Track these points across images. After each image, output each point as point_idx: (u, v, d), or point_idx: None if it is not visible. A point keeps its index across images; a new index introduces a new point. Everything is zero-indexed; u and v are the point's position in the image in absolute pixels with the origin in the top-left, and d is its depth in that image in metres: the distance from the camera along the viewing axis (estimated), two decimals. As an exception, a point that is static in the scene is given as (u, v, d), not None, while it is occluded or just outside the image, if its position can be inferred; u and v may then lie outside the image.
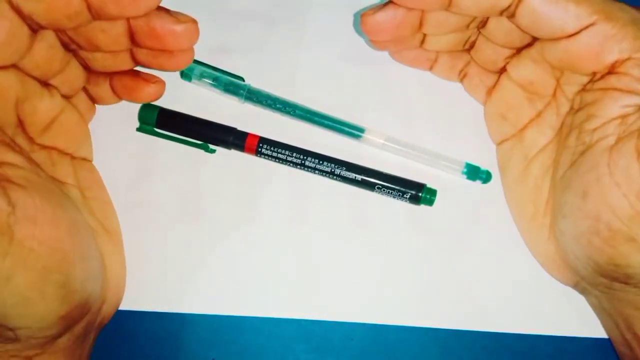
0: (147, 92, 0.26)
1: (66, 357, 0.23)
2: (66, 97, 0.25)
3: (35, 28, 0.21)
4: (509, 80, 0.26)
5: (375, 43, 0.26)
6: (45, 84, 0.23)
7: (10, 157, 0.21)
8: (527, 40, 0.25)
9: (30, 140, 0.23)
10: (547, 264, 0.26)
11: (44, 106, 0.23)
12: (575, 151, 0.23)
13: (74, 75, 0.25)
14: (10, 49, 0.20)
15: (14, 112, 0.22)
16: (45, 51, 0.22)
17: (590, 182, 0.22)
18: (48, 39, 0.22)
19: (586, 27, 0.21)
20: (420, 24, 0.24)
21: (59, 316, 0.21)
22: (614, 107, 0.22)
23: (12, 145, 0.22)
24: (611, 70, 0.22)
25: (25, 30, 0.20)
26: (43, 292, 0.20)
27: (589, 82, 0.23)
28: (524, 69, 0.25)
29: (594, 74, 0.22)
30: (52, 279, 0.20)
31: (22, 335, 0.20)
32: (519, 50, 0.25)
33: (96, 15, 0.21)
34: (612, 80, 0.22)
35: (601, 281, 0.23)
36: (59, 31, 0.22)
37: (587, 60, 0.22)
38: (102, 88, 0.26)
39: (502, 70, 0.26)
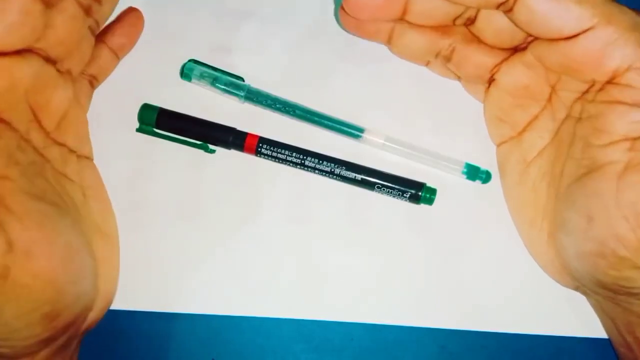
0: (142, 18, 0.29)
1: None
2: (74, 81, 0.25)
3: (50, 1, 0.20)
4: (498, 88, 0.26)
5: (347, 22, 0.25)
6: (58, 70, 0.23)
7: (10, 170, 0.20)
8: (517, 41, 0.24)
9: (46, 134, 0.23)
10: (547, 267, 0.26)
11: (58, 97, 0.23)
12: (581, 164, 0.23)
13: (87, 45, 0.25)
14: (25, 29, 0.20)
15: (27, 105, 0.21)
16: (69, 23, 0.22)
17: (597, 208, 0.21)
18: (69, 8, 0.21)
19: (586, 31, 0.21)
20: (404, 11, 0.24)
21: (41, 339, 0.21)
22: (621, 123, 0.21)
23: (14, 152, 0.21)
24: (611, 80, 0.21)
25: (39, 7, 0.20)
26: (29, 322, 0.20)
27: (587, 90, 0.23)
28: (517, 74, 0.25)
29: (593, 82, 0.22)
30: (40, 310, 0.20)
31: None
32: (509, 56, 0.25)
33: None
34: (615, 92, 0.21)
35: (603, 292, 0.23)
36: None
37: (586, 65, 0.22)
38: (102, 53, 0.27)
39: (490, 80, 0.26)
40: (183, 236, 0.27)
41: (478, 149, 0.29)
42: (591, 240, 0.22)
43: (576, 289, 0.26)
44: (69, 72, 0.24)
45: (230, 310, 0.27)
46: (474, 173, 0.28)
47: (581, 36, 0.21)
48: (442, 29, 0.25)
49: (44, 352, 0.21)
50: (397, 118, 0.29)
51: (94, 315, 0.24)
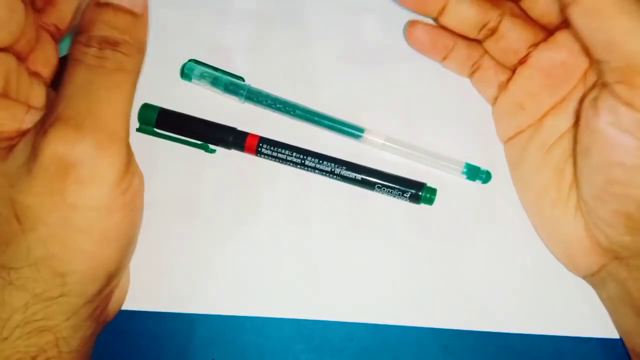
0: None
1: (87, 347, 0.23)
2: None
3: None
4: (530, 68, 0.26)
5: None
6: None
7: None
8: (561, 19, 0.25)
9: None
10: (572, 249, 0.26)
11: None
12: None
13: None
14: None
15: None
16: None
17: (588, 138, 0.23)
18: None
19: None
20: None
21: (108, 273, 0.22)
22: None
23: None
24: None
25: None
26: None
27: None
28: (556, 51, 0.25)
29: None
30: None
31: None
32: (549, 35, 0.26)
33: None
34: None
35: (636, 245, 0.23)
36: None
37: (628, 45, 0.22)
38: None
39: (523, 60, 0.27)
40: (182, 236, 0.27)
41: (478, 149, 0.29)
42: (597, 171, 0.23)
43: (600, 269, 0.25)
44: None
45: (230, 310, 0.27)
46: (474, 173, 0.28)
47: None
48: (493, 0, 0.27)
49: (84, 331, 0.22)
50: (397, 118, 0.29)
51: (112, 306, 0.25)
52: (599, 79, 0.23)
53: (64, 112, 0.20)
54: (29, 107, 0.23)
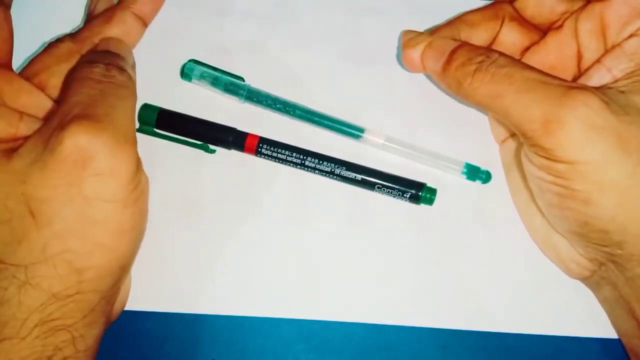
0: None
1: (97, 346, 0.23)
2: None
3: None
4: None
5: None
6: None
7: None
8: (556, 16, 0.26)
9: None
10: (563, 256, 0.26)
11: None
12: None
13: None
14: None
15: None
16: None
17: (525, 167, 0.24)
18: None
19: None
20: None
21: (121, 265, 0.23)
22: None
23: None
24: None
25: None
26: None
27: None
28: (545, 56, 0.26)
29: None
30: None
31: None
32: (543, 35, 0.26)
33: None
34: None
35: (603, 255, 0.23)
36: None
37: (613, 28, 0.24)
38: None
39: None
40: (182, 236, 0.27)
41: (478, 149, 0.29)
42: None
43: (592, 275, 0.26)
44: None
45: (231, 310, 0.27)
46: (474, 173, 0.28)
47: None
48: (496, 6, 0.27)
49: (98, 329, 0.23)
50: (397, 118, 0.29)
51: (116, 307, 0.25)
52: None
53: (83, 112, 0.21)
54: (22, 113, 0.24)
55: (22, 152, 0.22)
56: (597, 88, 0.22)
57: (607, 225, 0.22)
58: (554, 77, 0.22)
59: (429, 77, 0.30)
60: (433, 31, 0.27)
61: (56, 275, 0.21)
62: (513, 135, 0.28)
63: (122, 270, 0.23)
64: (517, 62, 0.23)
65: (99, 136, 0.21)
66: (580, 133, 0.21)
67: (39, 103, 0.25)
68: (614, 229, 0.22)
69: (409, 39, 0.26)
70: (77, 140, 0.20)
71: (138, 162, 0.23)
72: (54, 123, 0.21)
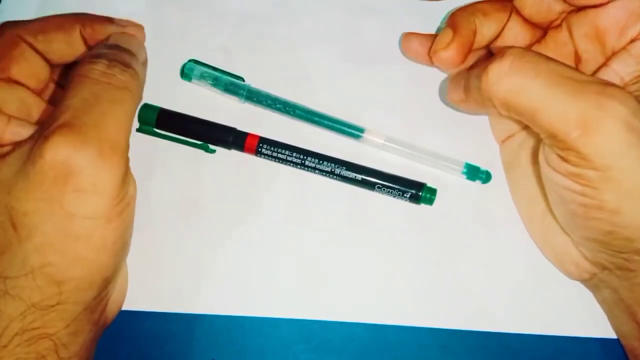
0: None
1: (89, 351, 0.23)
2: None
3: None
4: None
5: None
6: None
7: None
8: (553, 16, 0.26)
9: None
10: (562, 258, 0.26)
11: None
12: None
13: None
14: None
15: None
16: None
17: (545, 177, 0.23)
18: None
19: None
20: None
21: (104, 277, 0.22)
22: None
23: None
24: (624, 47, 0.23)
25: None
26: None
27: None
28: (549, 53, 0.25)
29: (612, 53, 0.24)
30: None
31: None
32: (541, 37, 0.26)
33: None
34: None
35: (616, 261, 0.23)
36: None
37: (611, 33, 0.23)
38: None
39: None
40: (182, 236, 0.27)
41: (478, 149, 0.29)
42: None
43: (592, 277, 0.26)
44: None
45: (230, 310, 0.27)
46: (474, 173, 0.28)
47: (610, 4, 0.23)
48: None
49: (88, 334, 0.23)
50: (397, 118, 0.29)
51: (111, 308, 0.25)
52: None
53: (68, 120, 0.20)
54: (10, 117, 0.23)
55: (8, 160, 0.21)
56: None
57: (634, 233, 0.21)
58: (581, 72, 0.21)
59: (428, 77, 0.29)
60: (451, 16, 0.26)
61: (35, 287, 0.20)
62: (513, 135, 0.27)
63: (105, 282, 0.22)
64: (537, 52, 0.21)
65: (81, 150, 0.20)
66: (621, 136, 0.19)
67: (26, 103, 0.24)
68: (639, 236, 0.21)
69: (436, 42, 0.26)
70: (58, 155, 0.20)
71: (125, 174, 0.22)
72: (43, 130, 0.21)
